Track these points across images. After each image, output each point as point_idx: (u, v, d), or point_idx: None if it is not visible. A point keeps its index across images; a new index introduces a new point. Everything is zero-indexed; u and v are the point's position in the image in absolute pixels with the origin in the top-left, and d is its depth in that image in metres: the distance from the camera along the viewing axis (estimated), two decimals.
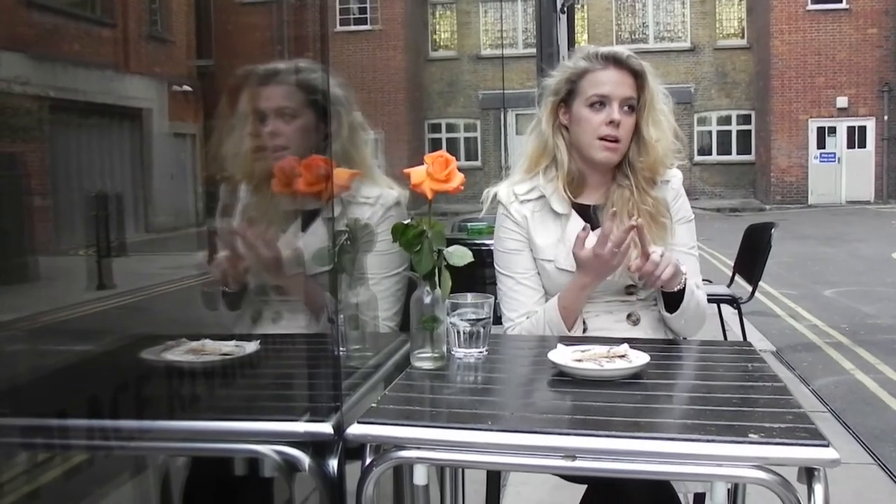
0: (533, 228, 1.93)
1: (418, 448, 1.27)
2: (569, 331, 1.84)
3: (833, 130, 20.12)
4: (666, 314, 1.86)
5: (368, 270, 1.78)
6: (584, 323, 1.89)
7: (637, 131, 1.92)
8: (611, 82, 1.88)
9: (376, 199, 1.94)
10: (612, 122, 1.87)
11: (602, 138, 1.88)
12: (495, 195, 1.99)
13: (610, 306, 1.89)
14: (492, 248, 2.02)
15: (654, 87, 1.92)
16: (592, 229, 1.89)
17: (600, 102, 1.88)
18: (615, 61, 1.90)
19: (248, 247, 1.78)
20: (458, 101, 23.18)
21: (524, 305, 1.92)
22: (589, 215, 1.93)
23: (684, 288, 1.82)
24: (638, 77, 1.91)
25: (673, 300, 1.83)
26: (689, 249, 1.94)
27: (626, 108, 1.89)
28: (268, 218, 1.91)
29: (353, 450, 1.30)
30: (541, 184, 1.95)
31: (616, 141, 1.88)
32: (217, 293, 1.86)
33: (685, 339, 1.94)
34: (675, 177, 1.98)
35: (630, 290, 1.90)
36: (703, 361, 1.72)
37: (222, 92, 1.99)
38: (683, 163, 1.99)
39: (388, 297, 1.93)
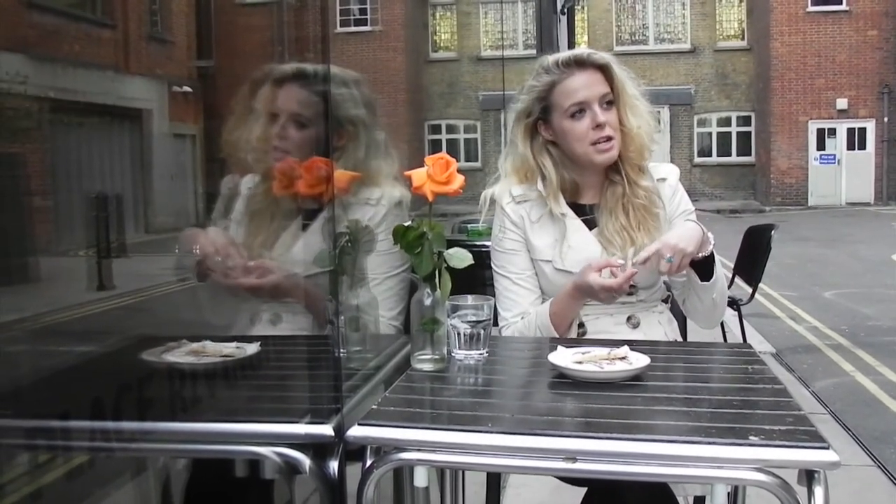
0: (530, 229, 1.93)
1: (419, 450, 1.27)
2: (560, 336, 1.83)
3: (833, 132, 20.12)
4: (700, 283, 1.80)
5: (371, 270, 1.76)
6: (583, 325, 1.88)
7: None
8: (583, 86, 1.86)
9: (378, 199, 1.93)
10: (598, 126, 1.85)
11: (595, 143, 1.86)
12: (492, 196, 1.99)
13: (610, 308, 1.88)
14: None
15: (622, 75, 1.89)
16: (590, 228, 1.90)
17: (580, 110, 1.86)
18: (578, 64, 1.88)
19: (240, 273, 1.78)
20: (459, 103, 23.16)
21: (519, 306, 1.92)
22: (586, 215, 1.93)
23: (712, 256, 1.77)
24: (605, 70, 1.88)
25: (704, 269, 1.78)
26: None
27: (605, 104, 1.87)
28: (269, 212, 1.90)
29: (354, 451, 1.30)
30: (537, 185, 1.94)
31: (609, 139, 1.87)
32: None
33: (689, 336, 1.93)
34: (671, 174, 1.97)
35: (631, 291, 1.89)
36: (703, 363, 1.72)
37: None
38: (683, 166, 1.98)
39: (392, 297, 1.93)
